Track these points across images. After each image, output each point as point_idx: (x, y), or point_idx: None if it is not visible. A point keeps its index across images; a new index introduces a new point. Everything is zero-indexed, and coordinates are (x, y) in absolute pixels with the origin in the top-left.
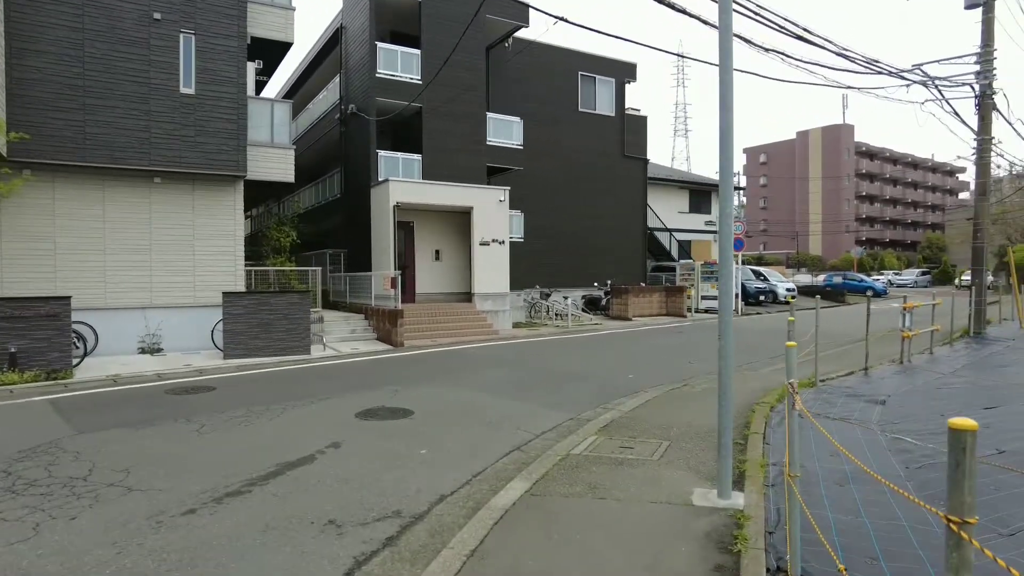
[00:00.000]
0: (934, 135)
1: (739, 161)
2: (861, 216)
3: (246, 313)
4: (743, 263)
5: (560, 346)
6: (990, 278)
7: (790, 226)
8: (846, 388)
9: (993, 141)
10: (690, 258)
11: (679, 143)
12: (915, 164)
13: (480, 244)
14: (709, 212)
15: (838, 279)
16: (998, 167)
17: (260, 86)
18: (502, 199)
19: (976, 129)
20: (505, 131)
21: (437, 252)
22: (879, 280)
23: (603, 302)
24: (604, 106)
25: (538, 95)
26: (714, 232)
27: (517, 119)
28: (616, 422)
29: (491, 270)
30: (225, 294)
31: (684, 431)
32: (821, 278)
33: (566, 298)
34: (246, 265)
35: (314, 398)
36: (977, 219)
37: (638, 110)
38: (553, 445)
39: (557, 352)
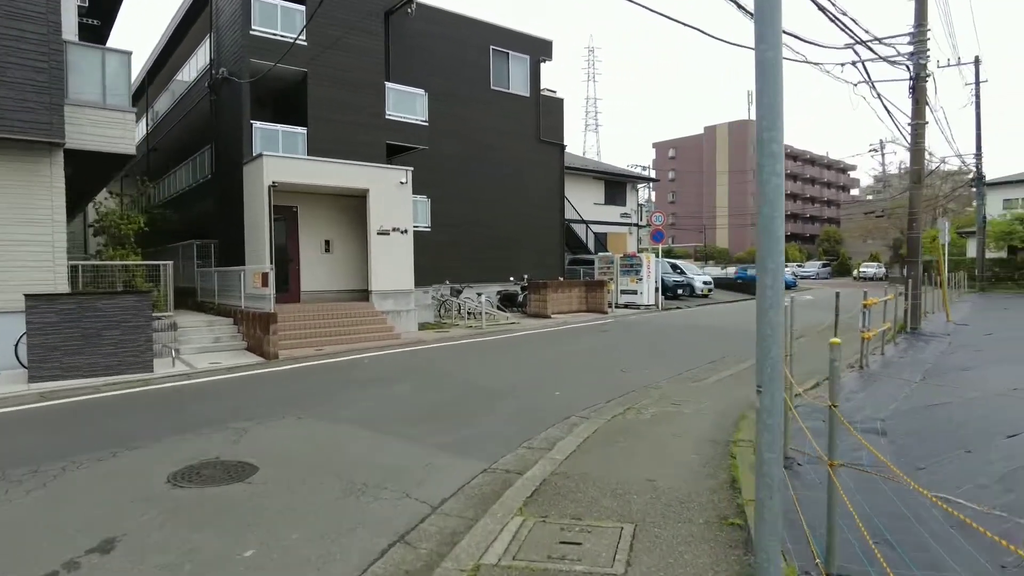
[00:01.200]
0: (866, 123)
1: (648, 156)
2: None
3: (63, 321)
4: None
5: (472, 352)
6: (882, 270)
7: (698, 220)
8: (826, 408)
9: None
10: (607, 251)
11: (590, 138)
12: (812, 161)
13: (378, 233)
14: (624, 204)
15: (751, 272)
16: (930, 156)
17: (95, 37)
18: (404, 180)
19: (910, 114)
20: (408, 105)
21: (327, 243)
22: (787, 273)
23: (520, 298)
24: (518, 85)
25: (446, 69)
26: (630, 224)
27: (421, 92)
28: (549, 483)
29: (392, 264)
30: (29, 296)
31: (649, 500)
32: (732, 270)
33: (479, 295)
34: (76, 259)
35: (122, 446)
36: (913, 208)
37: (554, 92)
38: (456, 537)
39: (469, 360)
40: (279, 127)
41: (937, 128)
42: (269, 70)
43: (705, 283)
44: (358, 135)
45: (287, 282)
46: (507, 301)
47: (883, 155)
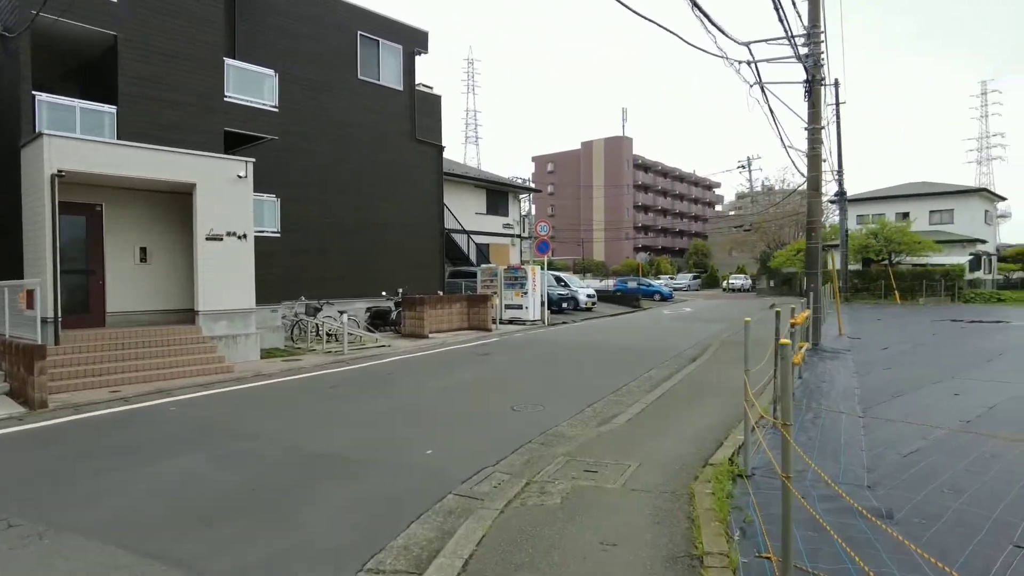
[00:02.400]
0: (734, 142)
1: (528, 169)
2: (638, 224)
3: None
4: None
5: (321, 391)
6: (748, 282)
7: (576, 233)
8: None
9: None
10: (490, 263)
11: (470, 150)
12: (681, 178)
13: (208, 239)
14: (507, 214)
15: (632, 283)
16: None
17: None
18: (243, 175)
19: (806, 118)
20: (254, 87)
21: (144, 251)
22: (664, 284)
23: (393, 316)
24: (390, 77)
25: (305, 52)
26: (513, 235)
27: (271, 72)
28: None
29: (226, 277)
30: None
31: None
32: (611, 283)
33: (342, 313)
34: None
35: None
36: (811, 216)
37: (431, 87)
38: None
39: (313, 404)
40: (77, 103)
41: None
42: (54, 24)
43: (589, 296)
44: (187, 119)
45: (87, 301)
46: (378, 319)
47: (750, 171)
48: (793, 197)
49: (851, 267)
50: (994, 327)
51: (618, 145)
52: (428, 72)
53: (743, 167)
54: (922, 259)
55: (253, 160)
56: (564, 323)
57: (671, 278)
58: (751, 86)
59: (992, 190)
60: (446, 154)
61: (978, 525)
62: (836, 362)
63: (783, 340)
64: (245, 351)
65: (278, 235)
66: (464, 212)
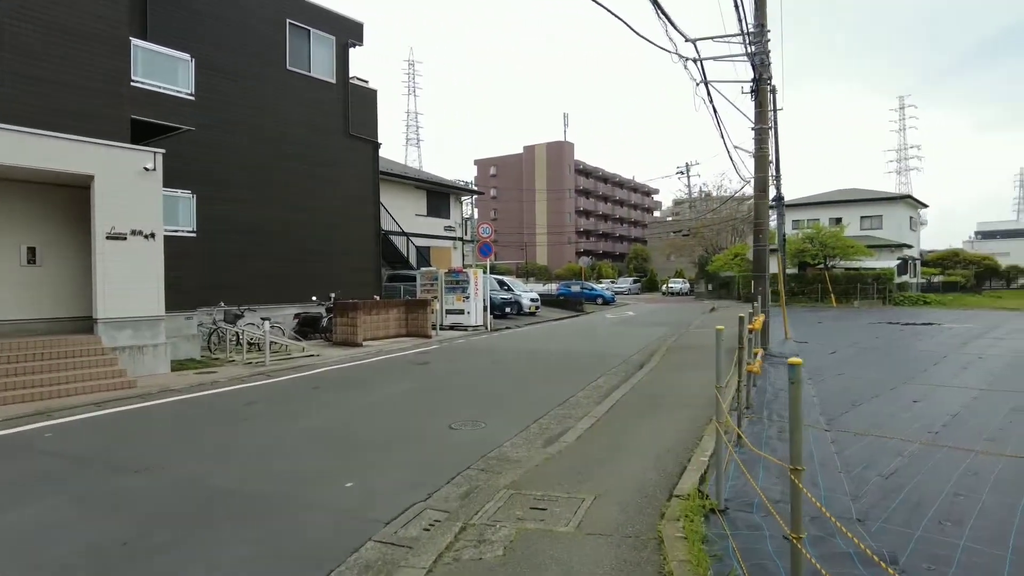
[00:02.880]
0: (673, 147)
1: (470, 172)
2: (580, 229)
3: None
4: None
5: (233, 409)
6: (687, 286)
7: (519, 237)
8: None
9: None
10: (431, 266)
11: (411, 152)
12: (621, 184)
13: (110, 238)
14: (448, 216)
15: (575, 287)
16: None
17: None
18: (150, 167)
19: (753, 118)
20: (166, 71)
21: (32, 251)
22: (606, 288)
23: (325, 322)
24: (322, 69)
25: (228, 39)
26: (455, 238)
27: (186, 57)
28: None
29: (130, 280)
30: None
31: None
32: (555, 287)
33: (266, 320)
34: None
35: None
36: (758, 218)
37: (366, 81)
38: None
39: (221, 426)
40: None
41: (736, 152)
42: None
43: (532, 300)
44: (88, 104)
45: None
46: (308, 326)
47: (688, 177)
48: (730, 203)
49: (788, 271)
50: (928, 329)
51: (560, 150)
52: (371, 73)
53: (682, 173)
54: (855, 263)
55: (163, 151)
56: (507, 328)
57: (612, 282)
58: (697, 84)
59: (916, 198)
60: (386, 155)
61: (996, 571)
62: (784, 367)
63: (793, 359)
64: (153, 363)
65: (194, 235)
66: (404, 213)
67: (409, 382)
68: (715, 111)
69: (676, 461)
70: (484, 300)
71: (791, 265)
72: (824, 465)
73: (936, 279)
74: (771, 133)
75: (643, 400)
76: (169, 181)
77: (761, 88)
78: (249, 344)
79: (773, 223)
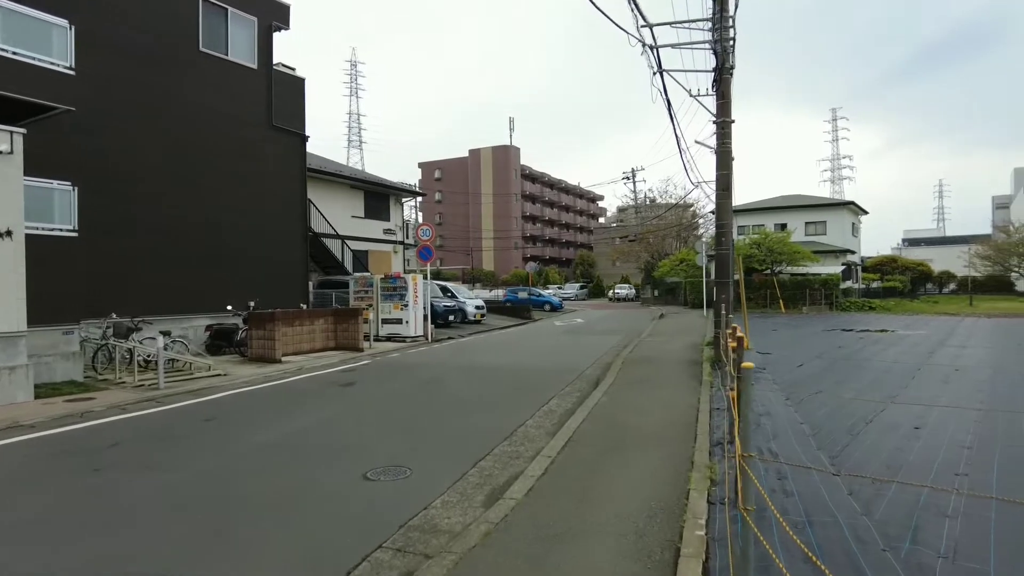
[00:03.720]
0: (616, 155)
1: (414, 175)
2: (527, 235)
3: None
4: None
5: (85, 456)
6: (633, 291)
7: (465, 242)
8: None
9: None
10: (368, 271)
11: (354, 155)
12: (567, 190)
13: None
14: (388, 219)
15: (523, 294)
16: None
17: None
18: (5, 148)
19: (715, 111)
20: (36, 39)
21: None
22: (553, 294)
23: (240, 335)
24: (241, 53)
25: (124, 9)
26: (395, 242)
27: (63, 23)
28: None
29: None
30: None
31: None
32: (501, 293)
33: (165, 333)
34: None
35: None
36: (721, 220)
37: (293, 69)
38: None
39: (65, 481)
40: None
41: (687, 159)
42: None
43: (478, 308)
44: None
45: None
46: (222, 339)
47: (634, 183)
48: (675, 209)
49: (736, 277)
50: (886, 337)
51: (506, 154)
52: (312, 73)
53: (628, 178)
54: (801, 269)
55: (23, 131)
56: (450, 339)
57: (559, 288)
58: (654, 73)
59: (858, 204)
60: (329, 156)
61: None
62: (759, 384)
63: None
64: (10, 391)
65: (75, 234)
66: (339, 215)
67: (326, 409)
68: (669, 104)
69: (662, 535)
70: (424, 308)
71: (739, 271)
72: (861, 539)
73: (874, 284)
74: (733, 129)
75: (605, 431)
76: (41, 169)
77: (724, 78)
78: (146, 362)
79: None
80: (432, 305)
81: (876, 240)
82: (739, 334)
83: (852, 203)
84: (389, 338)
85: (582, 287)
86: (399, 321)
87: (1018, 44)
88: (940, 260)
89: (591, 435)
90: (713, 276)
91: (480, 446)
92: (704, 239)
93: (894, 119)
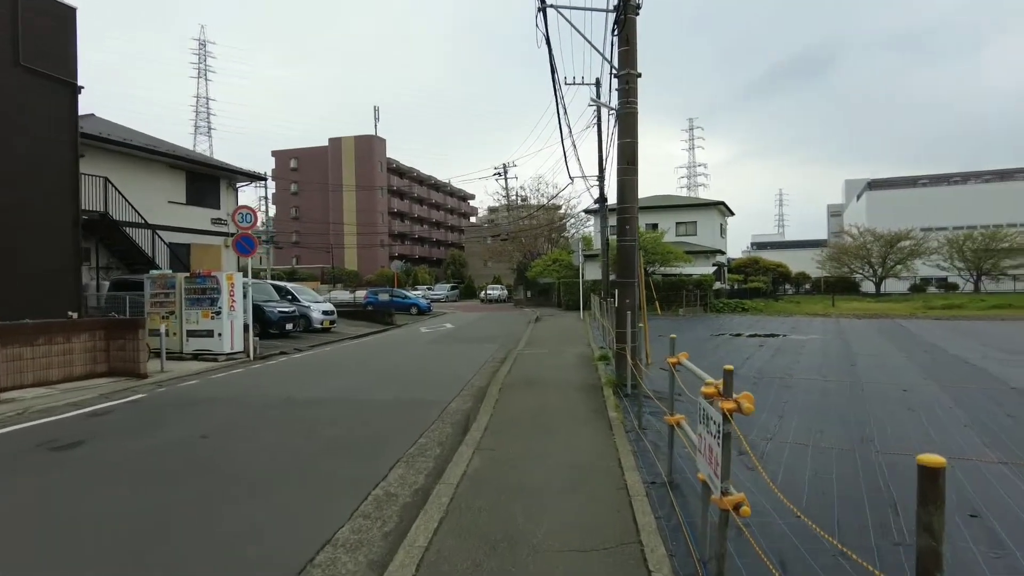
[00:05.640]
0: (484, 152)
1: (268, 164)
2: (394, 232)
3: None
4: (273, 278)
5: None
6: (505, 292)
7: (325, 239)
8: None
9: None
10: (188, 270)
11: (201, 142)
12: (438, 187)
13: None
14: (219, 207)
15: (384, 296)
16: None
17: None
18: None
19: (616, 62)
20: None
21: None
22: (419, 296)
23: None
24: None
25: None
26: (227, 234)
27: None
28: None
29: None
30: None
31: None
32: (363, 294)
33: None
34: None
35: None
36: (625, 201)
37: None
38: None
39: None
40: None
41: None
42: None
43: (326, 313)
44: None
45: None
46: None
47: (506, 179)
48: (547, 208)
49: (610, 278)
50: (783, 343)
51: (370, 145)
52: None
53: (499, 174)
54: (675, 269)
55: None
56: (283, 354)
57: (429, 289)
58: (539, 10)
59: (727, 204)
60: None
61: None
62: (654, 416)
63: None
64: None
65: None
66: (152, 200)
67: (17, 498)
68: (549, 45)
69: None
70: (247, 316)
71: (612, 271)
72: None
73: (738, 285)
74: (593, 132)
75: (480, 554)
76: None
77: (628, 19)
78: None
79: (587, 230)
80: (264, 311)
81: (728, 244)
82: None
83: (722, 203)
84: (197, 355)
85: (453, 288)
86: (210, 333)
87: (845, 75)
88: (788, 262)
89: (457, 555)
90: (613, 276)
91: (294, 556)
92: (577, 238)
93: (740, 135)
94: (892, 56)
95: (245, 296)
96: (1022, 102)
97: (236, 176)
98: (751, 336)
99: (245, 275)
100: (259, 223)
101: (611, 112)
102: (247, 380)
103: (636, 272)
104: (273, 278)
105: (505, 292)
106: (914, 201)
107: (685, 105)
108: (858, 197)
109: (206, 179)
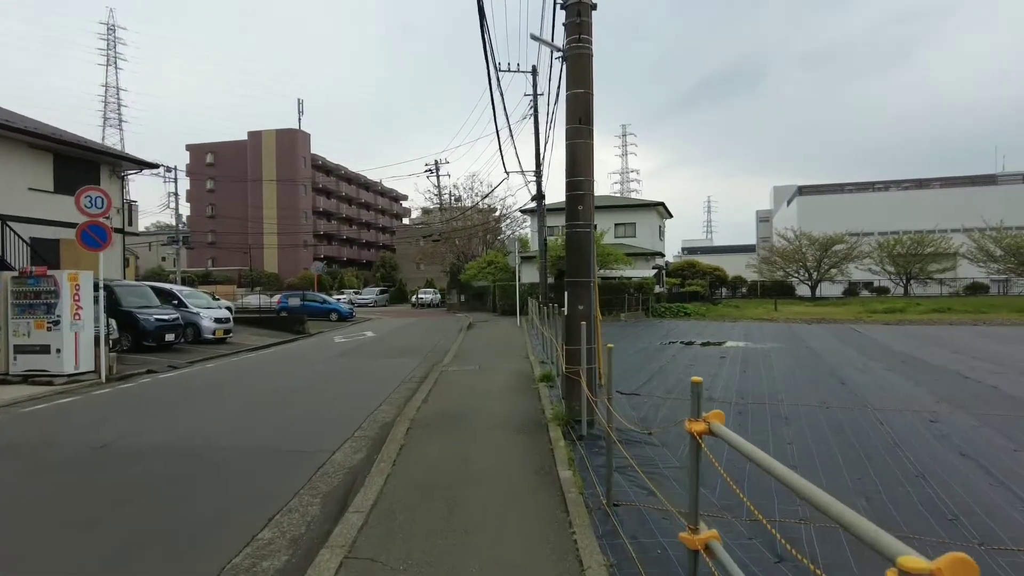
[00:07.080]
0: (415, 147)
1: (182, 159)
2: (319, 232)
3: None
4: (184, 281)
5: None
6: (438, 296)
7: (244, 239)
8: None
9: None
10: (60, 268)
11: (111, 135)
12: (367, 186)
13: None
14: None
15: (295, 300)
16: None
17: None
18: None
19: (564, 29)
20: None
21: None
22: (343, 300)
23: None
24: None
25: None
26: (114, 230)
27: None
28: None
29: None
30: None
31: None
32: (277, 299)
33: None
34: None
35: None
36: (576, 176)
37: None
38: None
39: None
40: None
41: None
42: None
43: (219, 321)
44: None
45: None
46: None
47: (438, 177)
48: (481, 211)
49: (548, 280)
50: (739, 353)
51: (292, 139)
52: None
53: (430, 170)
54: (615, 272)
55: None
56: (149, 373)
57: (357, 292)
58: None
59: (666, 206)
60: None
61: None
62: (666, 489)
63: None
64: None
65: None
66: (9, 187)
67: None
68: (482, 17)
69: None
70: (98, 326)
71: (551, 274)
72: None
73: (676, 289)
74: (530, 124)
75: None
76: None
77: None
78: None
79: (524, 231)
80: (137, 319)
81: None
82: None
83: (662, 204)
84: (27, 378)
85: (382, 291)
86: (46, 349)
87: (772, 91)
88: (722, 266)
89: None
90: (551, 278)
91: None
92: (514, 238)
93: (671, 143)
94: (813, 73)
95: (97, 301)
96: (926, 121)
97: (120, 162)
98: (704, 345)
99: (97, 274)
100: (113, 209)
101: (557, 56)
102: (72, 415)
103: (592, 269)
104: (184, 282)
105: (438, 296)
106: (843, 206)
107: (619, 113)
108: (788, 202)
109: (81, 164)
